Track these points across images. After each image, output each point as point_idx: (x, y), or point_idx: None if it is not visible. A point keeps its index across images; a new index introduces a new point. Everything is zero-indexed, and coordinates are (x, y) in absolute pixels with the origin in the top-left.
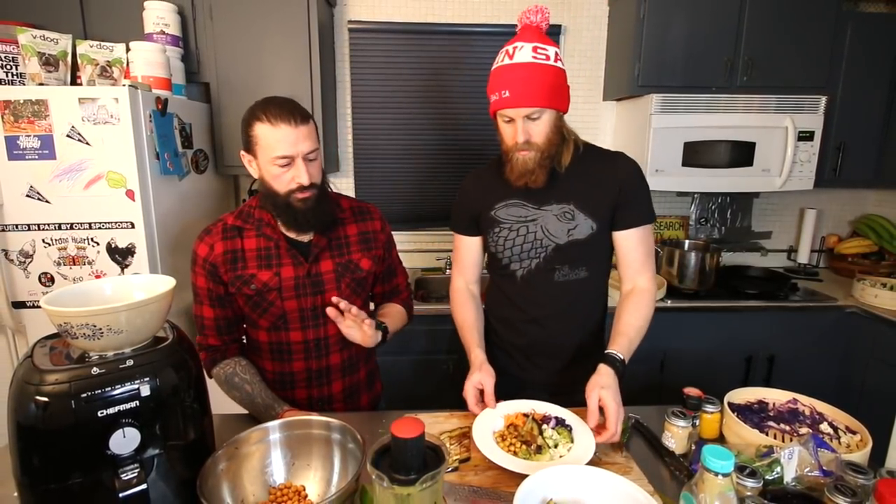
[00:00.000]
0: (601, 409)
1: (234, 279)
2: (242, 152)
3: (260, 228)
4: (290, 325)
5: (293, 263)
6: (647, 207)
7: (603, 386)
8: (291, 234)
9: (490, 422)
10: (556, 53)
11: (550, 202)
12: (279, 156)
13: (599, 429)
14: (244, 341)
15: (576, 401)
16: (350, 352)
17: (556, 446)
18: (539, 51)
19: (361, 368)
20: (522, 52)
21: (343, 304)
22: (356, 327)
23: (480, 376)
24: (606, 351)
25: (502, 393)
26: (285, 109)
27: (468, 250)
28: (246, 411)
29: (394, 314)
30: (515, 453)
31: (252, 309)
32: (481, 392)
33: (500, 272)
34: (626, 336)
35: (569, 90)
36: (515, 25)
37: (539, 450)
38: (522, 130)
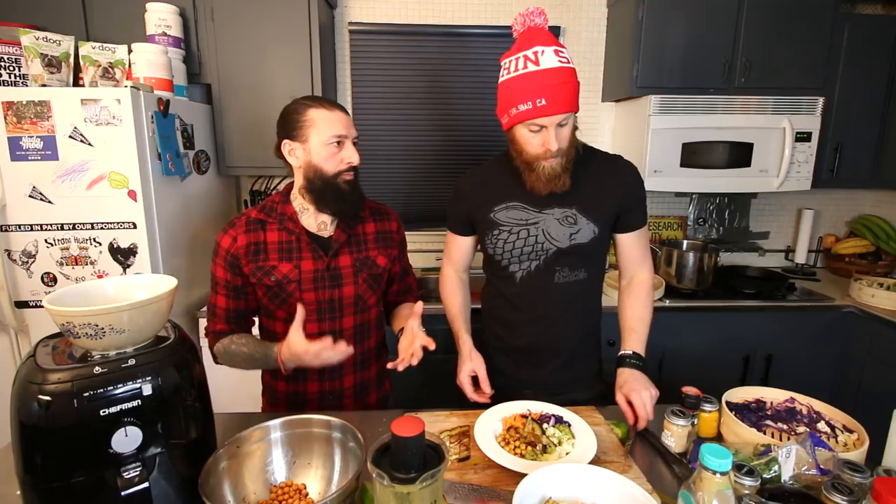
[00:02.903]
0: (631, 405)
1: (255, 270)
2: (285, 141)
3: (282, 222)
4: (307, 316)
5: (313, 257)
6: (645, 210)
7: (620, 386)
8: (313, 229)
9: (489, 426)
10: (569, 54)
11: (552, 206)
12: (337, 134)
13: (637, 421)
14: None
15: (572, 399)
16: (363, 347)
17: (559, 444)
18: (561, 54)
19: (373, 365)
20: (547, 57)
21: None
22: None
23: (472, 364)
24: (619, 354)
25: (499, 392)
26: (334, 101)
27: (460, 249)
28: (248, 410)
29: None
30: (522, 455)
31: (271, 300)
32: (474, 379)
33: (498, 273)
34: (633, 331)
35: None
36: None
37: (545, 449)
38: (555, 138)
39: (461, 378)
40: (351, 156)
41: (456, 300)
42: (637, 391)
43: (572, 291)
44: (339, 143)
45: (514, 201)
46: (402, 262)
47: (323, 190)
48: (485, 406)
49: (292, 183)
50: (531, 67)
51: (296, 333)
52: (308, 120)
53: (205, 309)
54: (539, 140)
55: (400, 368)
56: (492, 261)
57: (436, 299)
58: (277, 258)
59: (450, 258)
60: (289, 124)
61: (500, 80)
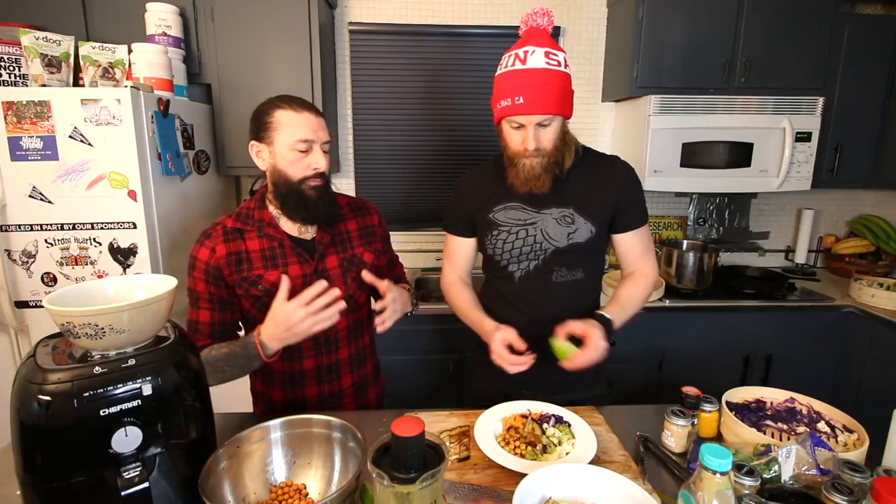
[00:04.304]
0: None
1: (241, 281)
2: (252, 142)
3: (262, 229)
4: None
5: (299, 262)
6: (644, 209)
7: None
8: (294, 233)
9: (489, 426)
10: (565, 58)
11: (550, 206)
12: (302, 139)
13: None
14: None
15: (572, 399)
16: (357, 345)
17: (559, 444)
18: (551, 56)
19: (368, 362)
20: (535, 58)
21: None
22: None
23: (503, 333)
24: (594, 312)
25: (498, 392)
26: (305, 102)
27: (461, 251)
28: (246, 410)
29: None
30: (522, 455)
31: (259, 310)
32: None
33: (497, 273)
34: (617, 303)
35: (573, 95)
36: (515, 27)
37: (545, 449)
38: (534, 137)
39: (496, 348)
40: (318, 161)
41: (465, 298)
42: (591, 329)
43: (570, 291)
44: (305, 147)
45: (513, 201)
46: (388, 254)
47: (287, 196)
48: (484, 406)
49: (265, 187)
50: (517, 66)
51: (280, 302)
52: (274, 121)
53: None
54: (519, 138)
55: (379, 330)
56: (491, 261)
57: (436, 299)
58: (262, 266)
59: (451, 262)
60: (257, 125)
61: (495, 74)
